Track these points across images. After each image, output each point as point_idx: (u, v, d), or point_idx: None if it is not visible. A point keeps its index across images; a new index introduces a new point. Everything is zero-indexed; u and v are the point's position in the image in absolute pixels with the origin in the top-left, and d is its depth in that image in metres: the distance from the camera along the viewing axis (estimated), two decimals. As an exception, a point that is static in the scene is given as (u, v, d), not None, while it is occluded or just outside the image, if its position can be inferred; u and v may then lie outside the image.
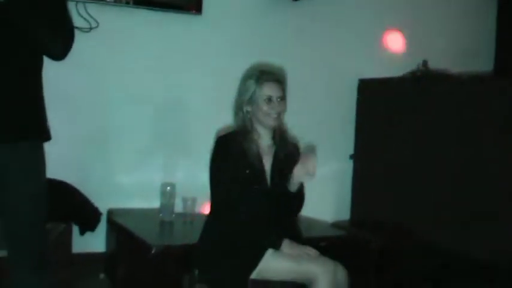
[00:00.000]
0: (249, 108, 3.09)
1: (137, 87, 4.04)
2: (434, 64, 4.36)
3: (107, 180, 3.99)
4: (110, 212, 3.92)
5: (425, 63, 4.29)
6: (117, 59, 3.99)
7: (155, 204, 3.91)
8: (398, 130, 4.27)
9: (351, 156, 4.59)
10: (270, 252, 2.94)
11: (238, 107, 3.12)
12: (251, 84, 3.09)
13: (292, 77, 4.28)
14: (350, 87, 4.58)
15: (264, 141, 3.13)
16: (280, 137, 3.16)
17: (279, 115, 3.07)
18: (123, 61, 4.01)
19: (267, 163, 3.11)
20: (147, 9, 3.99)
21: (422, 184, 4.04)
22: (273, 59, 4.23)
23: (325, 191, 4.51)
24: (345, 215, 4.56)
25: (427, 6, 4.89)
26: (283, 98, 3.10)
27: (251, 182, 3.03)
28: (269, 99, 3.05)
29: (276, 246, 2.94)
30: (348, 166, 4.61)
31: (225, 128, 3.41)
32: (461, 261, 3.53)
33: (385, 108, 4.40)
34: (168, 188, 3.81)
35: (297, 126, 4.02)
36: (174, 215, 3.82)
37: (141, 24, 4.03)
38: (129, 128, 4.04)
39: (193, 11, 4.10)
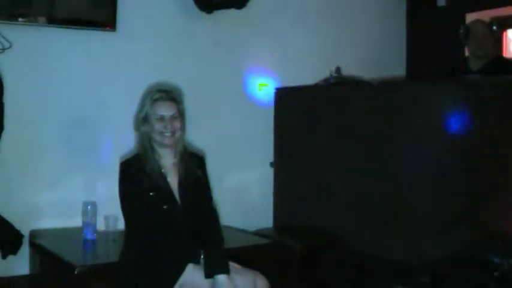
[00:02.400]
0: (144, 128, 3.13)
1: (55, 105, 4.01)
2: (348, 71, 4.48)
3: (27, 201, 3.94)
4: (32, 234, 3.87)
5: (338, 70, 4.38)
6: (33, 79, 3.96)
7: (78, 222, 3.88)
8: (316, 136, 4.33)
9: (271, 164, 4.64)
10: (190, 267, 2.98)
11: (137, 128, 3.17)
12: (145, 104, 3.15)
13: (209, 88, 4.40)
14: (267, 95, 4.65)
15: (167, 160, 3.16)
16: (182, 153, 3.19)
17: (174, 133, 3.11)
18: (40, 80, 3.98)
19: (174, 182, 3.15)
20: (62, 27, 3.97)
21: (341, 189, 4.11)
22: (188, 71, 4.31)
23: (247, 200, 4.59)
24: (267, 222, 4.59)
25: (340, 14, 5.00)
26: (177, 116, 3.14)
27: (159, 203, 3.06)
28: (161, 119, 3.10)
29: (195, 261, 2.98)
30: (269, 174, 4.66)
31: (128, 153, 3.44)
32: (381, 264, 3.62)
33: (301, 115, 4.47)
34: (89, 206, 3.80)
35: (216, 137, 4.32)
36: (96, 234, 3.81)
37: (56, 42, 4.01)
38: (48, 147, 4.01)
39: (108, 28, 4.10)
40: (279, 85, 4.63)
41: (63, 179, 4.05)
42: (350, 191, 4.07)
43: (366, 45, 5.07)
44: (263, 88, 4.64)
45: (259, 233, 4.27)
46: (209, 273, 2.95)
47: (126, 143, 3.79)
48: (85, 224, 3.81)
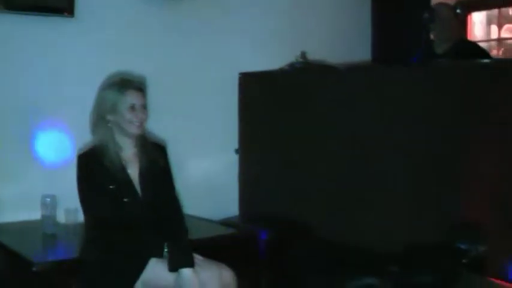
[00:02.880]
0: (111, 118, 3.06)
1: (11, 94, 3.88)
2: (313, 55, 4.41)
3: None
4: None
5: (303, 54, 4.32)
6: None
7: (38, 216, 3.75)
8: (281, 122, 4.28)
9: (237, 151, 4.57)
10: (153, 261, 2.91)
11: (99, 118, 3.08)
12: (113, 93, 3.07)
13: (172, 75, 4.29)
14: (231, 81, 4.57)
15: (127, 151, 3.11)
16: (143, 143, 3.14)
17: (142, 123, 3.07)
18: None
19: (134, 173, 3.10)
20: (19, 13, 3.86)
21: (308, 176, 4.06)
22: (149, 58, 4.20)
23: (212, 188, 4.47)
24: (233, 211, 4.54)
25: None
26: (145, 106, 3.11)
27: (119, 196, 3.00)
28: (132, 108, 3.05)
29: (158, 255, 2.91)
30: (234, 161, 4.60)
31: (85, 144, 3.35)
32: (351, 252, 3.58)
33: (266, 101, 4.41)
34: (48, 199, 3.67)
35: (180, 124, 4.23)
36: (56, 228, 3.68)
37: (13, 29, 3.88)
38: (4, 138, 3.87)
39: (66, 14, 3.98)
40: (244, 70, 4.55)
41: (22, 170, 3.92)
42: (318, 178, 4.02)
43: (331, 29, 5.00)
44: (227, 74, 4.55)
45: (225, 223, 4.18)
46: (173, 267, 2.88)
47: (86, 133, 3.63)
48: (44, 218, 3.68)
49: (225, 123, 4.57)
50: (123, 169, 3.05)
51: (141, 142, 3.14)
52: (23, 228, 3.78)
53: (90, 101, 3.54)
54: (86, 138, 3.50)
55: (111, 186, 2.98)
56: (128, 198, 3.02)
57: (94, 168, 3.01)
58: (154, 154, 3.16)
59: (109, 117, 3.07)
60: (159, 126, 3.69)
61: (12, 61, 3.90)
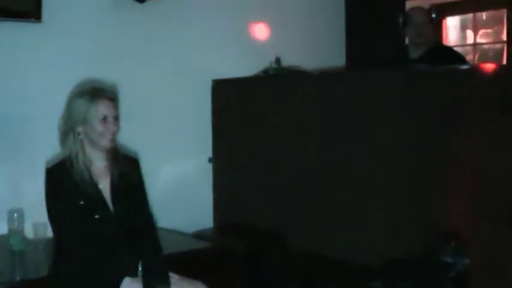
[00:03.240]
0: (81, 129, 2.92)
1: None
2: (287, 61, 4.34)
3: None
4: None
5: (277, 60, 4.26)
6: None
7: (3, 229, 3.61)
8: (256, 130, 4.20)
9: (210, 160, 4.47)
10: (127, 280, 2.78)
11: (68, 129, 2.94)
12: (83, 103, 2.92)
13: (143, 82, 4.18)
14: (204, 88, 4.46)
15: (98, 164, 2.97)
16: (115, 156, 3.02)
17: (114, 136, 2.95)
18: None
19: (106, 188, 2.96)
20: None
21: (284, 184, 3.98)
22: (119, 63, 4.08)
23: (184, 198, 4.36)
24: (207, 222, 4.42)
25: (278, 2, 4.84)
26: (117, 117, 2.98)
27: (89, 212, 2.86)
28: (104, 119, 2.92)
29: (132, 274, 2.79)
30: (207, 170, 4.49)
31: (55, 156, 3.21)
32: (328, 264, 3.51)
33: (240, 108, 4.32)
34: (16, 214, 3.52)
35: (151, 132, 4.14)
36: (24, 243, 3.52)
37: None
38: None
39: (32, 19, 3.83)
40: (217, 77, 4.43)
41: None
42: (293, 187, 3.93)
43: (305, 34, 4.93)
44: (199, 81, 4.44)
45: (198, 235, 4.09)
46: (148, 287, 2.75)
47: (55, 143, 3.48)
48: (12, 233, 3.52)
49: (198, 131, 4.46)
50: (94, 184, 2.92)
51: (112, 155, 3.01)
52: None
53: (59, 110, 3.37)
54: (54, 149, 3.35)
55: (81, 202, 2.84)
56: (98, 214, 2.88)
57: (62, 183, 2.87)
58: (127, 168, 3.03)
59: (79, 128, 2.92)
60: (128, 135, 3.49)
61: None
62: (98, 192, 2.92)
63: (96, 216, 2.86)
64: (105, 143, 2.93)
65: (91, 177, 2.91)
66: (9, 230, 3.54)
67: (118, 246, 2.85)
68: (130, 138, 3.63)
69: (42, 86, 3.90)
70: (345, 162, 3.67)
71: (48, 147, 3.55)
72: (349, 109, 3.66)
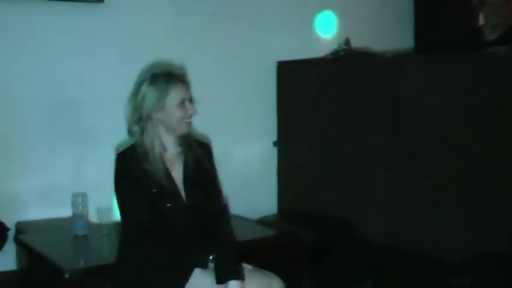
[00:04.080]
0: (156, 116, 2.74)
1: (37, 84, 3.70)
2: (355, 43, 4.15)
3: (11, 191, 3.65)
4: (18, 227, 3.57)
5: (347, 41, 4.08)
6: (11, 57, 3.65)
7: (67, 213, 3.55)
8: (323, 114, 4.05)
9: (275, 143, 4.36)
10: (197, 271, 2.65)
11: (142, 116, 2.76)
12: (157, 88, 2.74)
13: (207, 63, 4.09)
14: (269, 70, 4.34)
15: (170, 151, 2.82)
16: (188, 142, 2.85)
17: (191, 119, 2.79)
18: (20, 59, 3.67)
19: (178, 175, 2.81)
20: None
21: (352, 171, 3.85)
22: (183, 45, 4.02)
23: (248, 183, 4.25)
24: (271, 208, 4.31)
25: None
26: (192, 99, 2.80)
27: (162, 200, 2.72)
28: (182, 103, 2.74)
29: (203, 265, 2.65)
30: (272, 154, 4.37)
31: (124, 142, 3.09)
32: (400, 254, 3.35)
33: (307, 91, 4.17)
34: (80, 198, 3.44)
35: (215, 115, 3.97)
36: (88, 228, 3.45)
37: (37, 16, 3.67)
38: (31, 131, 3.71)
39: (94, -1, 3.78)
40: (282, 58, 4.30)
41: (49, 165, 3.75)
42: (363, 173, 3.79)
43: (373, 15, 4.72)
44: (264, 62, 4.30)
45: (263, 221, 3.96)
46: (220, 279, 2.61)
47: (118, 126, 3.39)
48: (75, 218, 3.44)
49: (263, 114, 4.36)
50: (167, 171, 2.77)
51: (186, 140, 2.84)
52: (50, 227, 3.59)
53: (122, 94, 3.28)
54: (118, 133, 3.30)
55: (153, 190, 2.70)
56: (170, 203, 2.73)
57: (135, 168, 2.71)
58: (199, 153, 2.86)
59: (154, 115, 2.74)
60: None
61: (36, 50, 3.71)
62: (171, 180, 2.77)
63: (168, 205, 2.73)
64: (183, 128, 2.78)
65: (164, 165, 2.77)
66: (73, 214, 3.47)
67: (189, 237, 2.72)
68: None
69: (104, 69, 3.86)
70: (418, 149, 3.51)
71: (111, 132, 3.58)
72: (420, 94, 3.50)
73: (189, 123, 2.79)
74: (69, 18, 3.75)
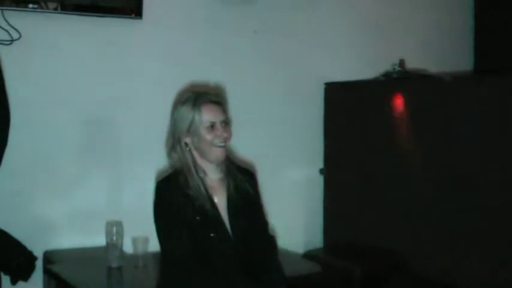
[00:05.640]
0: (188, 140, 2.77)
1: (69, 104, 3.69)
2: (410, 64, 4.10)
3: (39, 217, 3.63)
4: (47, 256, 3.55)
5: (401, 62, 4.00)
6: (43, 74, 3.65)
7: (99, 241, 3.50)
8: (374, 139, 3.97)
9: (321, 171, 4.27)
10: (243, 308, 2.65)
11: (176, 140, 2.79)
12: (186, 110, 2.76)
13: (248, 84, 4.09)
14: (316, 92, 4.26)
15: (212, 176, 2.81)
16: (230, 168, 2.86)
17: (225, 143, 2.77)
18: (51, 76, 3.66)
19: (221, 202, 2.80)
20: (77, 14, 3.63)
21: (404, 201, 3.74)
22: (225, 65, 4.00)
23: (293, 213, 4.22)
24: (317, 240, 4.24)
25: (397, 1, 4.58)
26: (227, 122, 2.80)
27: (205, 229, 2.71)
28: (211, 126, 2.74)
29: None
30: (318, 182, 4.28)
31: (164, 169, 3.11)
32: None
33: (356, 114, 4.09)
34: (114, 228, 3.40)
35: (256, 140, 4.00)
36: (123, 260, 3.41)
37: (70, 32, 3.68)
38: (62, 153, 3.69)
39: (133, 15, 3.73)
40: (330, 79, 4.24)
41: (82, 189, 3.73)
42: (417, 203, 3.68)
43: (429, 35, 4.62)
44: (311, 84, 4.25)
45: (309, 255, 3.91)
46: None
47: (156, 149, 3.43)
48: (109, 248, 3.40)
49: (309, 139, 4.27)
50: (209, 198, 2.76)
51: (227, 166, 2.85)
52: (81, 257, 3.57)
53: (159, 115, 3.43)
54: (155, 158, 3.34)
55: (197, 218, 2.69)
56: (214, 232, 2.71)
57: (177, 195, 2.71)
58: (243, 180, 2.86)
59: (186, 139, 2.77)
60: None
61: (68, 67, 3.70)
62: (214, 207, 2.76)
63: (212, 235, 2.71)
64: (216, 153, 2.76)
65: (206, 191, 2.76)
66: (107, 244, 3.43)
67: (234, 268, 2.70)
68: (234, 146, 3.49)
69: (141, 88, 3.85)
70: (476, 177, 3.41)
71: (149, 155, 3.63)
72: (479, 121, 3.42)
73: (222, 148, 2.76)
74: (106, 33, 3.75)
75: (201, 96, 2.79)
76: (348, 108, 4.16)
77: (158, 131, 3.40)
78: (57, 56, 3.66)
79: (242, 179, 2.86)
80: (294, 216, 4.22)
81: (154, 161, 3.45)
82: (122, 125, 3.81)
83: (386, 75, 4.01)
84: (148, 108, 3.80)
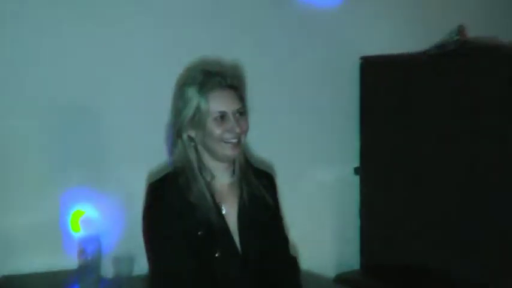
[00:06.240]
0: (192, 134, 2.71)
1: (32, 91, 3.49)
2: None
3: None
4: (2, 283, 3.38)
5: (461, 30, 3.81)
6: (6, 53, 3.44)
7: (70, 262, 3.41)
8: (424, 131, 3.78)
9: (357, 170, 4.07)
10: None
11: (176, 133, 2.75)
12: (192, 95, 2.69)
13: (268, 63, 3.88)
14: (349, 69, 4.10)
15: (222, 180, 2.77)
16: (244, 171, 2.83)
17: (240, 139, 2.70)
18: (13, 56, 3.46)
19: (231, 213, 2.75)
20: None
21: (458, 210, 3.61)
22: (242, 37, 3.79)
23: (321, 226, 4.08)
24: (353, 261, 4.11)
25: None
26: (242, 112, 2.72)
27: (209, 247, 2.65)
28: (222, 117, 2.66)
29: None
30: (353, 185, 4.11)
31: (157, 171, 3.11)
32: None
33: (402, 98, 3.88)
34: (89, 245, 3.31)
35: (276, 133, 3.90)
36: (100, 285, 3.32)
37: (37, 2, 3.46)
38: (23, 150, 3.50)
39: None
40: (366, 53, 4.03)
41: (48, 198, 3.54)
42: (477, 214, 3.51)
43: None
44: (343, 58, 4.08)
45: (341, 279, 3.87)
46: None
47: (147, 144, 3.54)
48: (83, 270, 3.31)
49: (341, 130, 4.10)
50: (217, 207, 2.70)
51: (241, 168, 2.79)
52: (49, 284, 3.41)
53: (154, 101, 3.38)
54: (145, 151, 3.41)
55: (199, 233, 2.62)
56: (221, 251, 2.65)
57: (175, 201, 2.64)
58: (259, 187, 2.82)
59: (189, 133, 2.71)
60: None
61: (35, 45, 3.50)
62: (221, 219, 2.70)
63: (217, 254, 2.65)
64: (227, 151, 2.68)
65: (213, 198, 2.69)
66: (80, 266, 3.34)
67: None
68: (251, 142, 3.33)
69: (126, 70, 3.63)
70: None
71: (137, 154, 3.55)
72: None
73: (235, 145, 2.68)
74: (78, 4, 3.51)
75: (211, 77, 2.69)
76: (390, 90, 3.95)
77: (152, 122, 3.45)
78: (19, 31, 3.46)
79: (259, 184, 2.81)
80: (323, 229, 4.10)
81: (144, 160, 3.39)
82: (101, 117, 3.62)
83: (441, 46, 3.83)
84: (140, 93, 3.61)
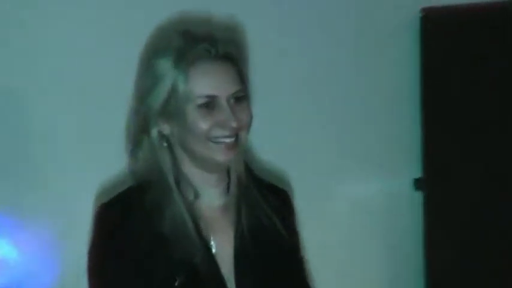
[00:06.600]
0: (165, 129, 2.28)
1: None
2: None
3: None
4: None
5: None
6: None
7: None
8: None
9: (417, 183, 3.36)
10: None
11: (141, 128, 2.33)
12: (165, 70, 2.25)
13: (285, 19, 3.22)
14: (404, 26, 3.37)
15: (211, 201, 2.34)
16: (245, 184, 2.42)
17: (238, 137, 2.26)
18: None
19: (225, 251, 2.34)
20: None
21: None
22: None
23: (366, 266, 3.42)
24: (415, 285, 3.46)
25: None
26: (242, 96, 2.27)
27: None
28: (210, 105, 2.24)
29: None
30: (413, 203, 3.41)
31: (114, 182, 2.77)
32: None
33: (481, 68, 3.23)
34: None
35: (296, 126, 3.35)
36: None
37: None
38: None
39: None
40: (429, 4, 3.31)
41: None
42: None
43: None
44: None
45: None
46: None
47: (96, 147, 3.05)
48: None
49: (388, 121, 3.40)
50: (201, 240, 2.29)
51: (240, 183, 2.39)
52: None
53: (113, 77, 2.90)
54: (107, 158, 2.87)
55: (176, 283, 2.22)
56: None
57: (136, 236, 2.24)
58: (268, 211, 2.38)
59: (162, 126, 2.27)
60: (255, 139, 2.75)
61: None
62: (210, 260, 2.28)
63: None
64: (216, 155, 2.26)
65: (197, 229, 2.28)
66: None
67: None
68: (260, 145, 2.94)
69: (70, 46, 3.05)
70: None
71: (82, 162, 3.04)
72: None
73: (231, 147, 2.25)
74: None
75: (194, 42, 2.27)
76: (466, 59, 3.26)
77: (104, 113, 3.02)
78: None
79: (267, 206, 2.39)
80: (367, 273, 3.44)
81: (93, 168, 2.91)
82: (30, 106, 3.05)
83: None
84: (83, 71, 2.98)
